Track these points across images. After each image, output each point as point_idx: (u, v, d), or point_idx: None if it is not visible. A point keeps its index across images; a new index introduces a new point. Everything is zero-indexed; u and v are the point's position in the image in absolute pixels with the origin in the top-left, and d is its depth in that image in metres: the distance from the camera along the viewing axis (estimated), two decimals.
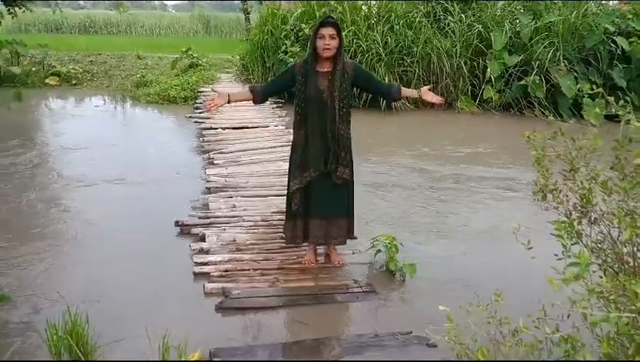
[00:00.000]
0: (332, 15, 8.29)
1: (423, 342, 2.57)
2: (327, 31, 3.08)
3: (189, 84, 9.66)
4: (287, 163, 3.39)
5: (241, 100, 3.42)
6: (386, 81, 8.87)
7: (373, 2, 10.07)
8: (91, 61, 12.16)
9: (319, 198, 3.23)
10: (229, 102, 3.28)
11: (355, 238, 3.57)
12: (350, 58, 8.68)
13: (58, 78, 10.82)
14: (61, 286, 2.99)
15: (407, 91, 3.37)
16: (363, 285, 3.16)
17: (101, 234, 3.84)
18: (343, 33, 3.19)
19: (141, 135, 7.25)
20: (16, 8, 9.88)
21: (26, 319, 2.71)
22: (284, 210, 3.43)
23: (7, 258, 3.40)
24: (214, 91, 3.35)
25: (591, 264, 1.54)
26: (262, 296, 2.98)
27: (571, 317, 1.57)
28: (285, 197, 3.40)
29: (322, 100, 3.13)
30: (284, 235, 3.44)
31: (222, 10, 27.60)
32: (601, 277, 1.77)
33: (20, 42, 10.56)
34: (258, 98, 3.32)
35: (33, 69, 11.08)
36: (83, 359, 2.30)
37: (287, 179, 3.38)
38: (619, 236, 1.80)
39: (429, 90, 3.29)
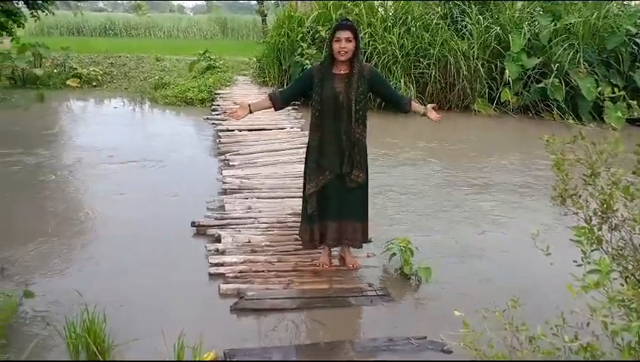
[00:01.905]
0: (349, 17, 8.30)
1: (438, 348, 2.55)
2: (344, 34, 3.07)
3: (206, 86, 9.75)
4: (303, 165, 3.40)
5: (262, 109, 3.44)
6: (402, 84, 8.85)
7: (390, 4, 10.04)
8: (111, 63, 12.34)
9: (334, 201, 3.24)
10: (250, 113, 3.32)
11: (370, 241, 3.57)
12: (366, 60, 8.67)
13: (79, 80, 11.01)
14: (80, 285, 3.03)
15: (415, 106, 3.40)
16: (377, 288, 3.15)
17: (118, 235, 3.89)
18: (360, 35, 3.19)
19: (158, 136, 7.33)
20: (39, 11, 10.08)
21: (47, 316, 2.76)
22: (300, 212, 3.44)
23: (29, 258, 3.47)
24: (236, 104, 3.41)
25: (611, 271, 1.51)
26: (276, 298, 2.99)
27: (591, 326, 1.54)
28: (301, 199, 3.41)
29: (338, 102, 3.13)
30: (299, 238, 3.45)
31: (239, 12, 27.80)
32: (622, 285, 1.73)
33: (43, 45, 10.76)
34: (277, 104, 3.34)
35: (55, 70, 11.29)
36: (100, 358, 2.33)
37: (302, 181, 3.39)
38: None
39: (433, 108, 3.41)
